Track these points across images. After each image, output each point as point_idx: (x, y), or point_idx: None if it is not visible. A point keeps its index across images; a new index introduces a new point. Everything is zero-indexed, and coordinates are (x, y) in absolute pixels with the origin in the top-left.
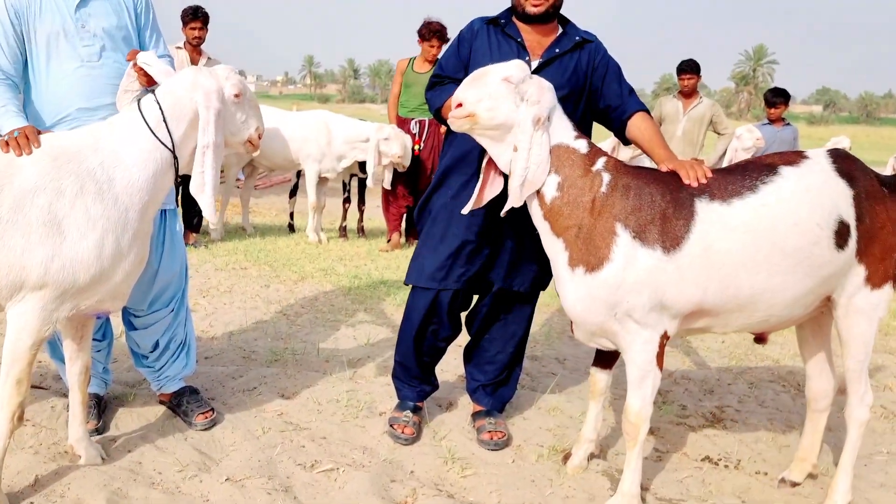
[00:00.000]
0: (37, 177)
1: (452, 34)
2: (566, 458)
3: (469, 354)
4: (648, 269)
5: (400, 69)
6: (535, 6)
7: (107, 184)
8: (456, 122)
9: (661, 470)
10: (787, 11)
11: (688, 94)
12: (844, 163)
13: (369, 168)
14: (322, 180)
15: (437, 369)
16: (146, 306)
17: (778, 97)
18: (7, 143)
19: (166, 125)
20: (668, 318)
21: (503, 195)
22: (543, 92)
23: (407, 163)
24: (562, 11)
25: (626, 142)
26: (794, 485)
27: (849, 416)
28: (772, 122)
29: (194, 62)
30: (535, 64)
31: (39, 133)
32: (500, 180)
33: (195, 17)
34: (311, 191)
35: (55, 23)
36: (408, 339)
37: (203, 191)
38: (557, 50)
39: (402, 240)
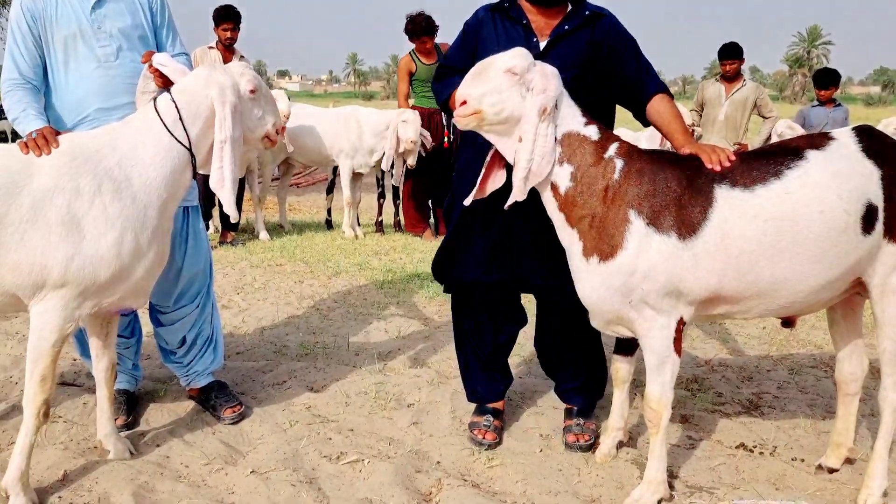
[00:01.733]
0: (55, 177)
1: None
2: (595, 447)
3: (547, 355)
4: (663, 256)
5: (407, 69)
6: None
7: (124, 182)
8: (462, 120)
9: (692, 458)
10: None
11: (730, 78)
12: (872, 142)
13: (386, 150)
14: (356, 176)
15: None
16: (171, 303)
17: (828, 78)
18: (26, 145)
19: (183, 124)
20: (683, 304)
21: (507, 188)
22: (549, 80)
23: (413, 157)
24: None
25: (646, 124)
26: (832, 471)
27: (883, 400)
28: (823, 103)
29: (227, 62)
30: (543, 45)
31: (58, 134)
32: (503, 173)
33: (227, 18)
34: (345, 186)
35: (71, 25)
36: (466, 338)
37: (223, 186)
38: (567, 27)
39: (434, 232)
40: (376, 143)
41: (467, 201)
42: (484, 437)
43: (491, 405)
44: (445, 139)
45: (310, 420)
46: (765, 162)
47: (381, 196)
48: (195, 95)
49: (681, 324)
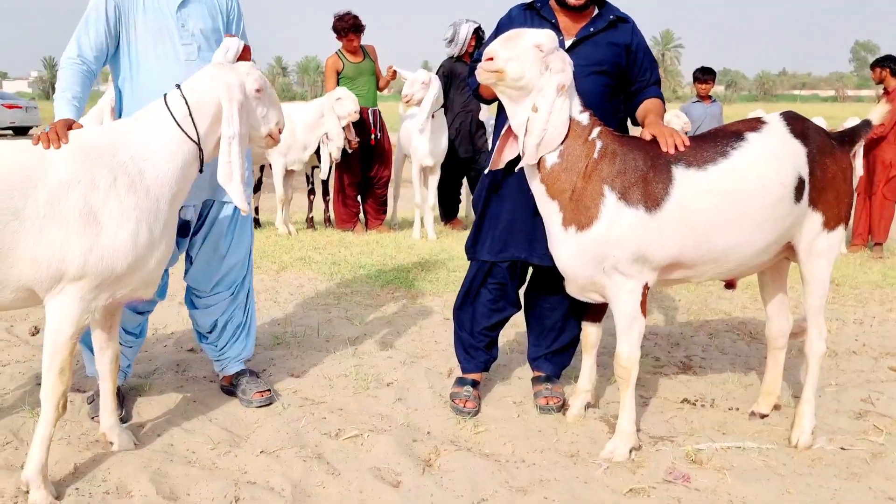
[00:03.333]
0: (70, 171)
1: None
2: (564, 408)
3: (529, 324)
4: (632, 226)
5: (335, 67)
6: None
7: (138, 176)
8: (483, 73)
9: (647, 413)
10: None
11: (707, 96)
12: (797, 124)
13: (333, 131)
14: (288, 173)
15: (433, 339)
16: (209, 288)
17: (707, 75)
18: (39, 138)
19: (192, 119)
20: (648, 270)
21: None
22: (566, 64)
23: (338, 150)
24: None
25: (635, 122)
26: (763, 416)
27: (809, 350)
28: (701, 98)
29: None
30: (568, 43)
31: (70, 128)
32: (517, 145)
33: None
34: (278, 184)
35: (158, 21)
36: (470, 312)
37: (231, 180)
38: (592, 29)
39: (364, 227)
40: (308, 138)
41: (486, 171)
42: (465, 406)
43: (471, 376)
44: (372, 136)
45: (300, 403)
46: (713, 144)
47: (312, 192)
48: (204, 93)
49: (646, 288)
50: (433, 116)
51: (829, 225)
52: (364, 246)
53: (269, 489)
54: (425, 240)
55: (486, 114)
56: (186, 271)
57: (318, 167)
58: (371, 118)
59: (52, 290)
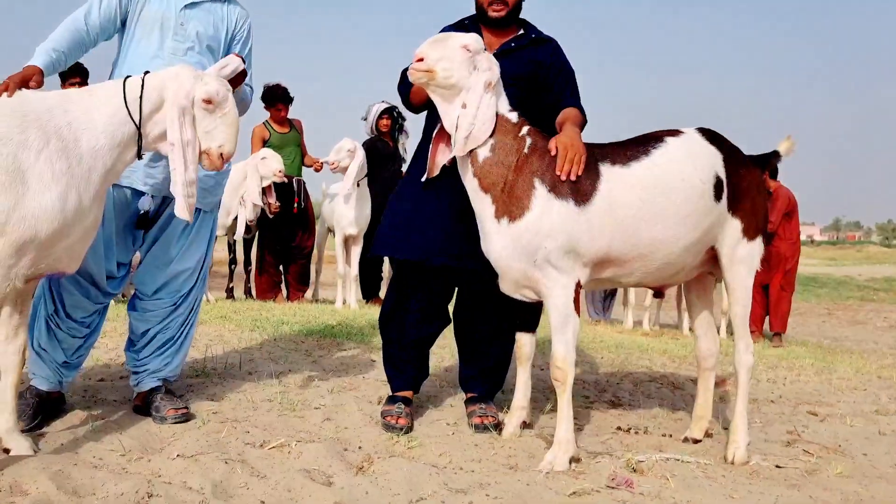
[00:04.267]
0: (4, 127)
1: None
2: (500, 428)
3: (459, 343)
4: (562, 218)
5: (261, 136)
6: (496, 11)
7: (73, 143)
8: (415, 73)
9: (583, 436)
10: None
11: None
12: (712, 133)
13: (252, 188)
14: None
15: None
16: (151, 292)
17: None
18: None
19: (140, 104)
20: (580, 265)
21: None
22: (493, 64)
23: (253, 213)
24: None
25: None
26: (696, 441)
27: (738, 362)
28: None
29: None
30: None
31: (28, 81)
32: (449, 150)
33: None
34: None
35: (160, 11)
36: (398, 323)
37: (174, 187)
38: (513, 45)
39: (286, 297)
40: (231, 202)
41: (423, 178)
42: (397, 422)
43: (401, 394)
44: (296, 205)
45: (221, 420)
46: (634, 145)
47: (233, 262)
48: (157, 85)
49: (578, 286)
50: (358, 185)
51: (748, 234)
52: (286, 309)
53: (186, 488)
54: (347, 309)
55: None
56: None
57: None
58: (295, 187)
59: None
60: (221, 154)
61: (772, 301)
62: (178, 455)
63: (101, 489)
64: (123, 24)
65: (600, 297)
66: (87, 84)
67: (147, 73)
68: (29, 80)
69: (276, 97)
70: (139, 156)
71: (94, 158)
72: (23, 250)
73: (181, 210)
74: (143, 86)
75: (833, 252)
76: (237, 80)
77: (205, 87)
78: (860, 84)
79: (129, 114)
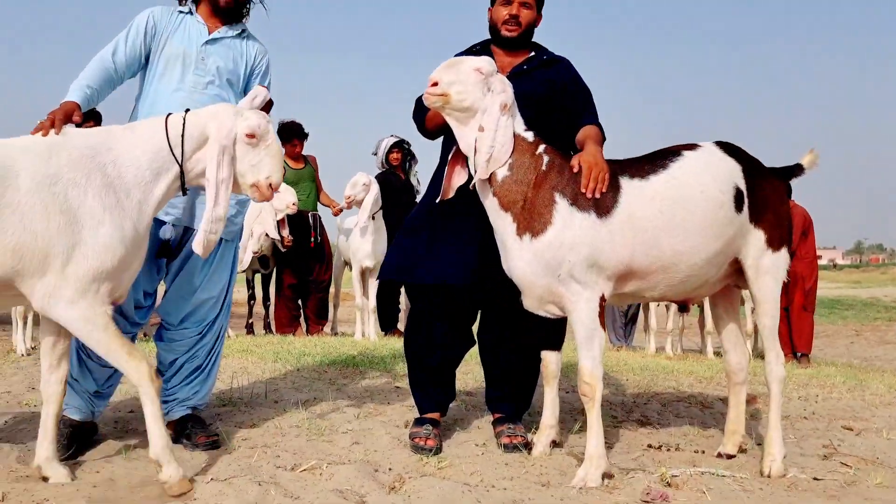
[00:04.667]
0: (55, 167)
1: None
2: (530, 447)
3: (485, 364)
4: (584, 230)
5: None
6: (510, 31)
7: (118, 179)
8: (430, 98)
9: (614, 454)
10: None
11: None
12: (729, 147)
13: (267, 221)
14: None
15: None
16: (177, 322)
17: None
18: (39, 129)
19: (182, 143)
20: (603, 279)
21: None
22: (507, 85)
23: (259, 245)
24: None
25: (576, 151)
26: (730, 457)
27: (769, 374)
28: None
29: None
30: None
31: (72, 117)
32: (465, 172)
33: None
34: None
35: (180, 46)
36: (423, 346)
37: (203, 227)
38: (525, 67)
39: (305, 331)
40: (247, 239)
41: (438, 199)
42: (426, 444)
43: (429, 416)
44: (312, 239)
45: (251, 446)
46: (653, 159)
47: (252, 297)
48: (199, 124)
49: (602, 300)
50: (373, 218)
51: (773, 245)
52: (307, 342)
53: None
54: (367, 340)
55: None
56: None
57: (258, 271)
58: (311, 221)
59: (48, 296)
60: (270, 185)
61: (794, 322)
62: (211, 479)
63: None
64: (147, 60)
65: (621, 323)
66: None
67: (188, 111)
68: (71, 115)
69: (292, 133)
70: (183, 192)
71: (142, 192)
72: (98, 281)
73: (198, 244)
74: (184, 124)
75: (857, 275)
76: (265, 110)
77: (246, 122)
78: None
79: (171, 151)
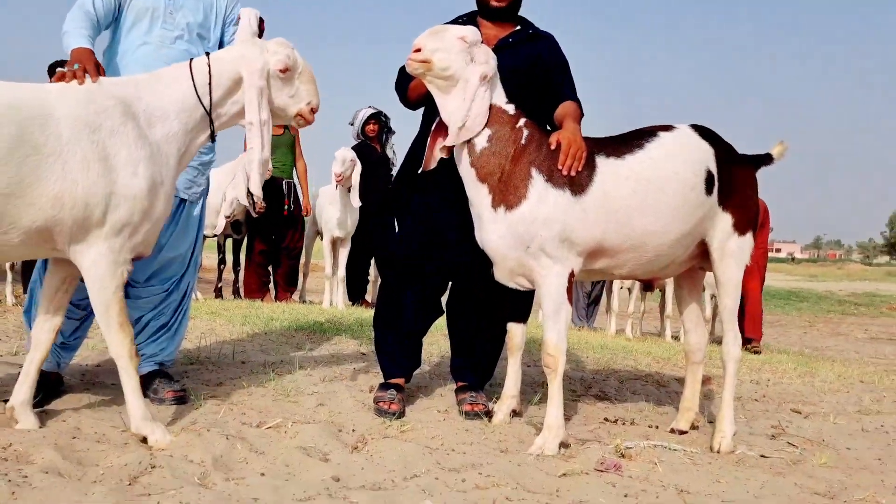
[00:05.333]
0: (92, 113)
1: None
2: (490, 415)
3: (451, 333)
4: (558, 207)
5: None
6: (498, 2)
7: (148, 129)
8: (412, 64)
9: (571, 425)
10: None
11: None
12: (704, 130)
13: (239, 185)
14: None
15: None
16: (143, 280)
17: None
18: (65, 76)
19: (210, 89)
20: (574, 254)
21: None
22: (490, 56)
23: (229, 208)
24: None
25: (555, 127)
26: (682, 433)
27: (726, 354)
28: None
29: None
30: None
31: (98, 64)
32: (446, 145)
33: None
34: None
35: (148, 1)
36: (396, 315)
37: (251, 166)
38: (510, 39)
39: (274, 297)
40: (221, 202)
41: (420, 171)
42: (389, 408)
43: (394, 381)
44: (286, 207)
45: (217, 403)
46: (629, 139)
47: (222, 262)
48: (227, 70)
49: (571, 275)
50: (349, 190)
51: (739, 228)
52: (275, 308)
53: (187, 461)
54: (335, 309)
55: None
56: None
57: (230, 236)
58: (285, 189)
59: (77, 241)
60: (312, 110)
61: (749, 308)
62: (181, 430)
63: (104, 460)
64: (118, 11)
65: (584, 304)
66: None
67: (208, 54)
68: (96, 62)
69: None
70: (212, 139)
71: (168, 144)
72: (123, 235)
73: (255, 186)
74: (210, 70)
75: (814, 269)
76: (260, 29)
77: (276, 57)
78: (842, 103)
79: (200, 100)
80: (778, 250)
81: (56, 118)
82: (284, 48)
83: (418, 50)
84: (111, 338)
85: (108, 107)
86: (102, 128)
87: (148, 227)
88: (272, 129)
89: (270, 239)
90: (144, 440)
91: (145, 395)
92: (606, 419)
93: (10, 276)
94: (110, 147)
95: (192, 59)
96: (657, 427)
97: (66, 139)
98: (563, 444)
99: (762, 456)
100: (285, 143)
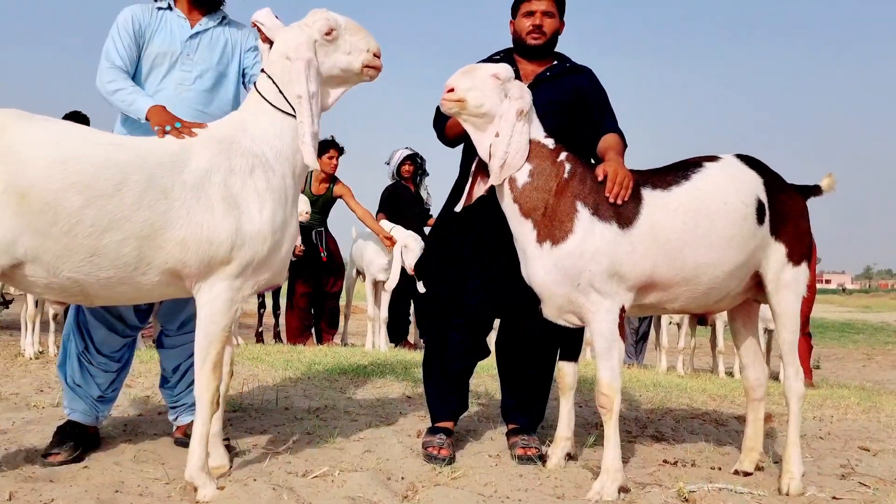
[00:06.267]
0: (210, 158)
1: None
2: (544, 459)
3: (501, 374)
4: (605, 241)
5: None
6: (535, 39)
7: (262, 158)
8: (446, 104)
9: (629, 468)
10: None
11: None
12: (750, 160)
13: (307, 154)
14: None
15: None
16: (176, 327)
17: None
18: (179, 131)
19: (283, 95)
20: (624, 289)
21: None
22: (524, 92)
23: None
24: None
25: (598, 160)
26: (747, 474)
27: (788, 389)
28: None
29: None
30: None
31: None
32: (485, 184)
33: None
34: None
35: (164, 44)
36: (441, 356)
37: (303, 140)
38: (548, 73)
39: (317, 341)
40: None
41: (458, 207)
42: (439, 453)
43: (442, 424)
44: (322, 254)
45: (262, 451)
46: (675, 171)
47: (262, 306)
48: (280, 66)
49: (622, 311)
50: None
51: (793, 258)
52: (317, 352)
53: None
54: (377, 351)
55: None
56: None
57: None
58: (314, 238)
59: (203, 278)
60: (375, 54)
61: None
62: (226, 481)
63: None
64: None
65: (632, 340)
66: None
67: (262, 69)
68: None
69: (327, 144)
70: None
71: (280, 164)
72: (246, 273)
73: (310, 159)
74: (272, 79)
75: (867, 300)
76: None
77: (316, 24)
78: (890, 128)
79: (280, 109)
80: (828, 281)
81: (180, 168)
82: (321, 14)
83: (451, 90)
84: (201, 376)
85: (220, 148)
86: (220, 169)
87: (277, 260)
88: (320, 179)
89: (311, 282)
90: (194, 489)
91: (188, 444)
92: (666, 461)
93: (52, 325)
94: (233, 186)
95: (255, 81)
96: (720, 469)
97: (190, 185)
98: (623, 489)
99: (834, 498)
100: (325, 199)
